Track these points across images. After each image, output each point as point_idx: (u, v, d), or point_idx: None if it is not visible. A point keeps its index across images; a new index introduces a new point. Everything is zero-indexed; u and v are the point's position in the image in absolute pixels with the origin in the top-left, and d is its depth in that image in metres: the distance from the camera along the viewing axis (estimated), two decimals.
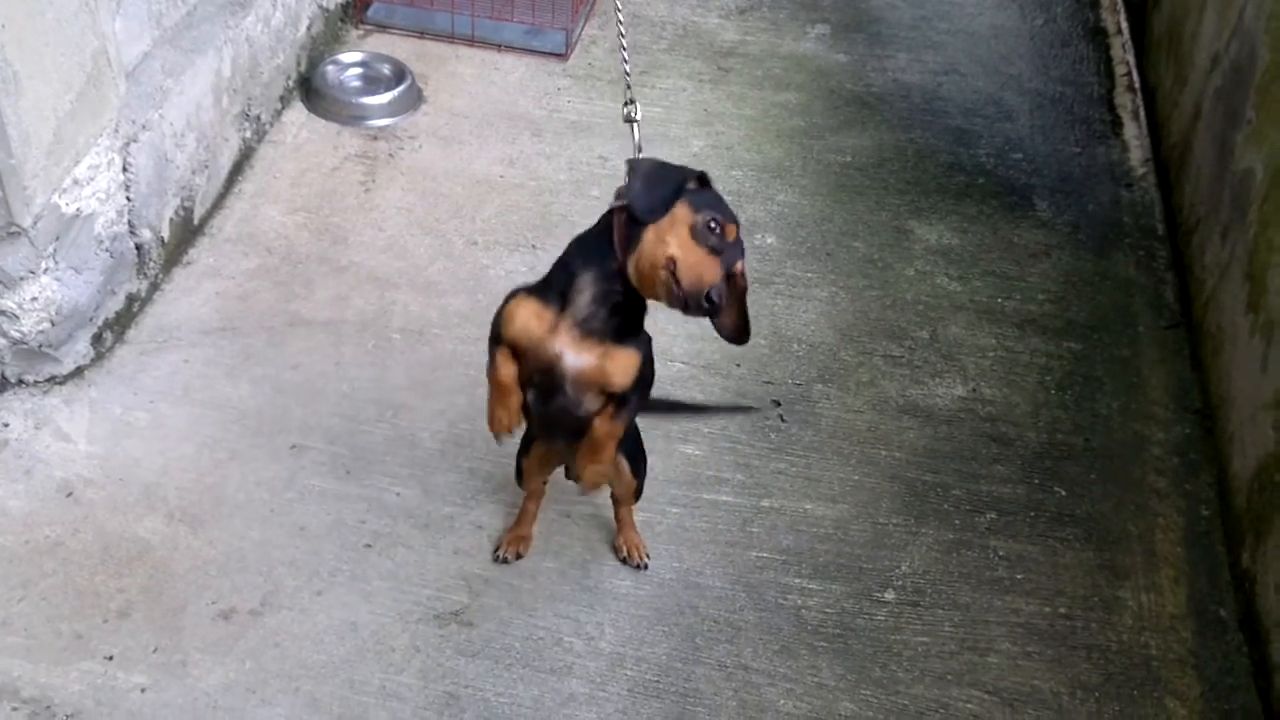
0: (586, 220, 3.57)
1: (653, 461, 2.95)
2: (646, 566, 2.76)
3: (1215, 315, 3.26)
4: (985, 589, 2.78)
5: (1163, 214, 3.86)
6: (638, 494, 2.70)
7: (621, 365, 2.23)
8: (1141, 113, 4.29)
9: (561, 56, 4.26)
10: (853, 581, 2.76)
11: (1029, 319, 3.46)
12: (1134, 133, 4.21)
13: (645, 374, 2.31)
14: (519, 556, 2.75)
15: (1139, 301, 3.56)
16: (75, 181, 2.83)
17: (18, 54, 2.55)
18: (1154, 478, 3.06)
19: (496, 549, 2.75)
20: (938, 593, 2.76)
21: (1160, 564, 2.86)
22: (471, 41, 4.25)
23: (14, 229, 2.68)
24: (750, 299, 3.38)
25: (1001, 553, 2.85)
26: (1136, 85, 4.41)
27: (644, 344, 2.30)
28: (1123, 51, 4.61)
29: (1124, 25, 4.75)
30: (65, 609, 2.54)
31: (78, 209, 2.85)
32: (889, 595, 2.74)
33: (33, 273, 2.78)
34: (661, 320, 3.32)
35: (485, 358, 3.15)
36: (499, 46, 4.26)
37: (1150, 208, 3.90)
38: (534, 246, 3.52)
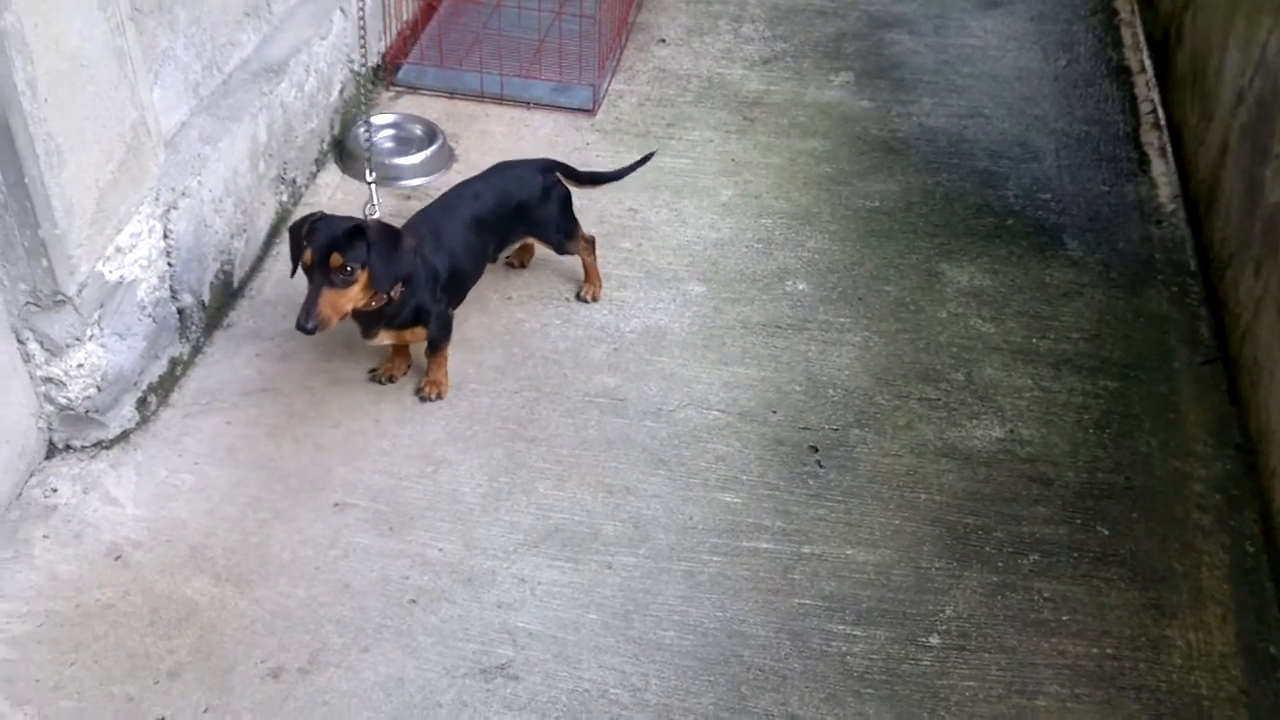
0: (620, 272, 3.65)
1: (690, 511, 2.97)
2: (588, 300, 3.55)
3: (1252, 349, 3.25)
4: (1031, 631, 2.76)
5: (1194, 250, 3.86)
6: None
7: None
8: (1168, 150, 4.30)
9: (589, 112, 4.32)
10: (897, 627, 2.76)
11: (1064, 358, 3.46)
12: (1162, 170, 4.22)
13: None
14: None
15: (1174, 338, 3.55)
16: (118, 249, 2.89)
17: (60, 127, 2.61)
18: (1197, 515, 3.04)
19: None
20: (983, 636, 2.75)
21: (1207, 602, 2.84)
22: (501, 100, 4.32)
23: (60, 298, 2.74)
24: (784, 344, 3.44)
25: (1046, 594, 2.84)
26: (1162, 123, 4.43)
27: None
28: (1147, 89, 4.63)
29: (1147, 63, 4.77)
30: (117, 671, 2.57)
31: (121, 276, 2.91)
32: (934, 640, 2.73)
33: (78, 340, 2.83)
34: (696, 369, 3.36)
35: (524, 411, 3.21)
36: (528, 104, 4.32)
37: (1181, 244, 3.90)
38: (567, 300, 3.56)
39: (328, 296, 2.82)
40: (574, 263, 3.61)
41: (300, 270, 2.90)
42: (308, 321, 2.79)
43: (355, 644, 2.65)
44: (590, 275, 3.58)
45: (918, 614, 2.79)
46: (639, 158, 3.74)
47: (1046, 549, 2.94)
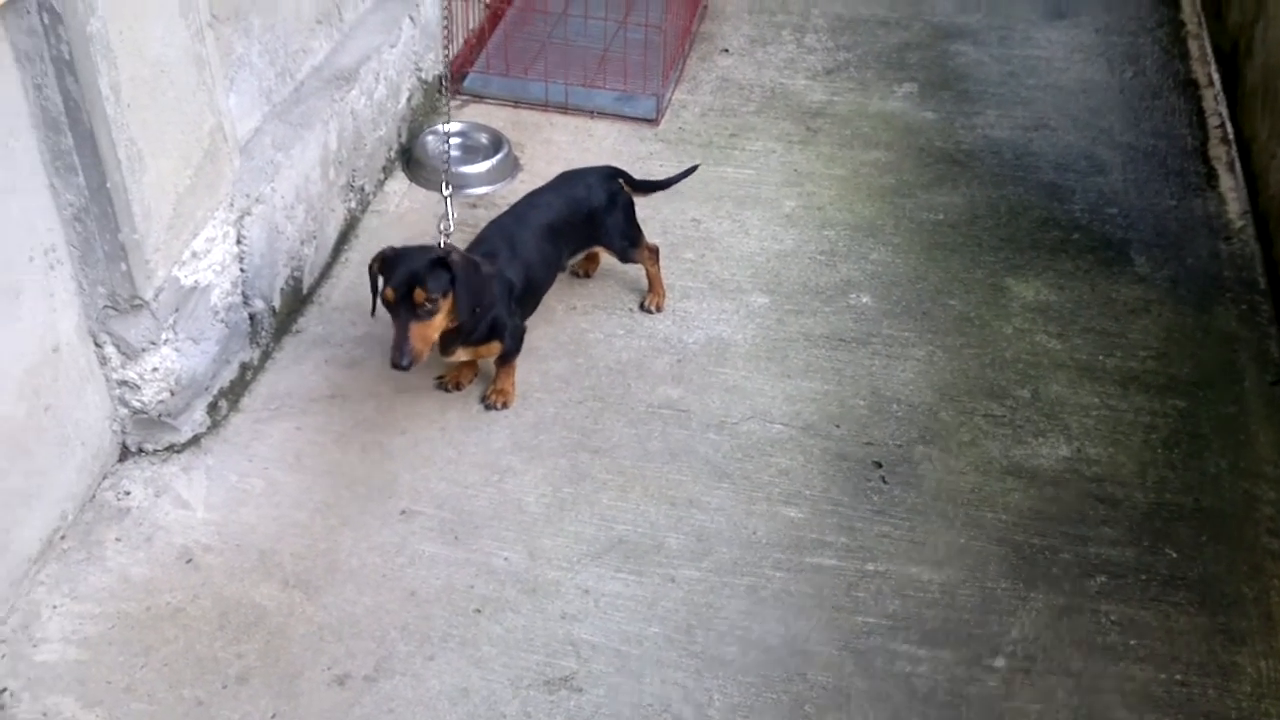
0: (683, 283, 3.65)
1: (753, 525, 2.97)
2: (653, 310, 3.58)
3: None
4: (1098, 655, 2.73)
5: (1264, 267, 3.81)
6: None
7: None
8: (1237, 165, 4.24)
9: (653, 122, 4.32)
10: (962, 648, 2.74)
11: (1131, 376, 3.42)
12: (1230, 185, 4.17)
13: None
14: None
15: (1244, 357, 3.51)
16: (193, 254, 2.92)
17: (142, 133, 2.65)
18: (1267, 539, 3.00)
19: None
20: (1049, 659, 2.72)
21: (1277, 628, 2.80)
22: (565, 109, 4.34)
23: (137, 302, 2.77)
24: (847, 357, 3.42)
25: (1113, 617, 2.81)
26: (1230, 137, 4.37)
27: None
28: (1215, 103, 4.57)
29: (1215, 77, 4.71)
30: (186, 675, 2.60)
31: (195, 281, 2.94)
32: (1000, 662, 2.71)
33: (153, 344, 2.87)
34: (759, 381, 3.36)
35: (588, 421, 3.22)
36: (592, 113, 4.33)
37: (1250, 261, 3.85)
38: (630, 310, 3.56)
39: (416, 330, 2.83)
40: (637, 273, 3.62)
41: (382, 306, 2.90)
42: (403, 359, 2.81)
43: (421, 652, 2.67)
44: (654, 285, 3.58)
45: (983, 635, 2.77)
46: (687, 167, 3.81)
47: (1114, 571, 2.92)
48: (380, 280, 2.91)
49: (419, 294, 2.81)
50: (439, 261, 2.85)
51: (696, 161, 3.99)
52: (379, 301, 2.91)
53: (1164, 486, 3.12)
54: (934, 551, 2.95)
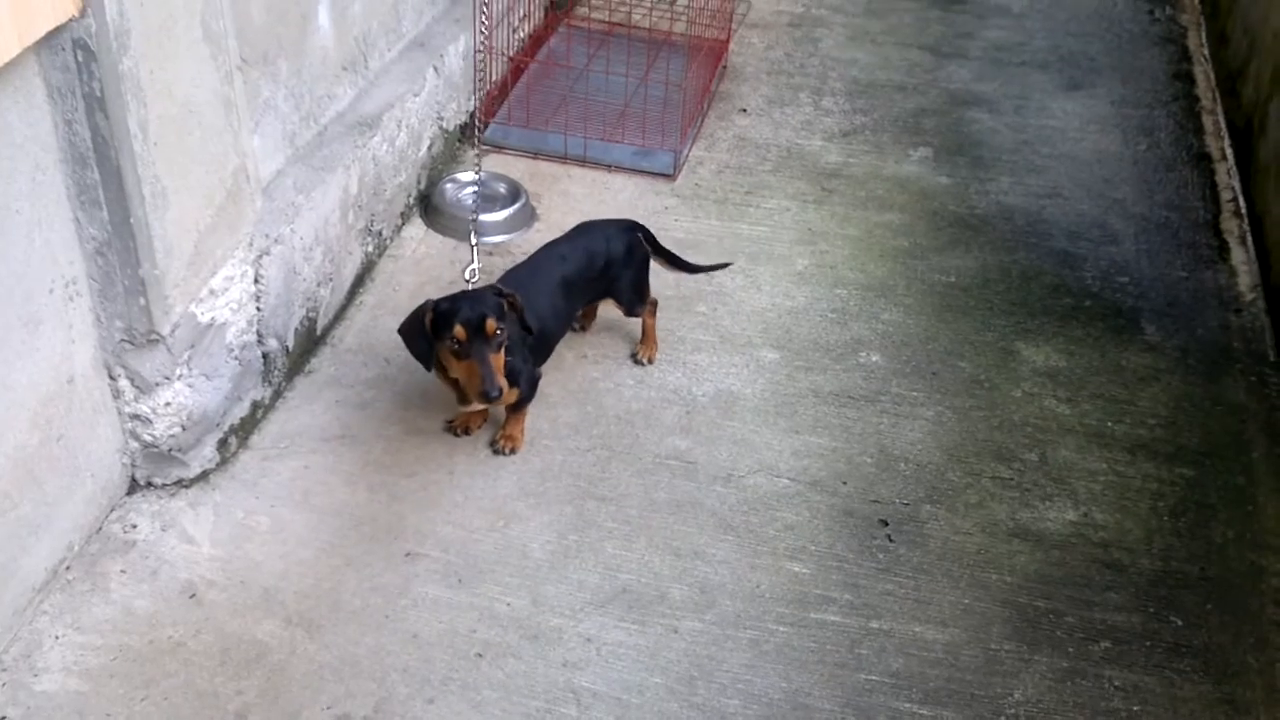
0: (694, 336, 3.67)
1: (757, 579, 2.97)
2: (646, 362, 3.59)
3: None
4: None
5: (1273, 339, 3.82)
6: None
7: None
8: (1249, 238, 4.27)
9: (669, 177, 4.37)
10: (964, 708, 2.72)
11: (1140, 443, 3.43)
12: (1242, 258, 4.20)
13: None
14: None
15: (1252, 428, 3.51)
16: (211, 292, 2.96)
17: (167, 170, 2.69)
18: (1273, 609, 2.99)
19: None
20: None
21: None
22: (583, 162, 4.39)
23: (153, 337, 2.80)
24: (855, 415, 3.44)
25: (1117, 683, 2.80)
26: (1243, 211, 4.41)
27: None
28: (1228, 177, 4.61)
29: (1228, 152, 4.76)
30: (186, 710, 2.59)
31: (212, 318, 2.97)
32: None
33: (167, 379, 2.89)
34: (767, 436, 3.37)
35: (595, 469, 3.23)
36: (609, 167, 4.39)
37: (1260, 333, 3.86)
38: (640, 362, 3.58)
39: (495, 360, 2.92)
40: (635, 323, 3.64)
41: (450, 351, 2.94)
42: (493, 389, 2.90)
43: (420, 695, 2.67)
44: (648, 337, 3.60)
45: (986, 696, 2.75)
46: (717, 264, 3.86)
47: (1118, 636, 2.90)
48: (434, 331, 2.95)
49: (490, 325, 2.90)
50: (496, 293, 2.99)
51: (724, 216, 4.00)
52: (451, 345, 2.92)
53: (1170, 554, 3.12)
54: (938, 611, 2.94)
